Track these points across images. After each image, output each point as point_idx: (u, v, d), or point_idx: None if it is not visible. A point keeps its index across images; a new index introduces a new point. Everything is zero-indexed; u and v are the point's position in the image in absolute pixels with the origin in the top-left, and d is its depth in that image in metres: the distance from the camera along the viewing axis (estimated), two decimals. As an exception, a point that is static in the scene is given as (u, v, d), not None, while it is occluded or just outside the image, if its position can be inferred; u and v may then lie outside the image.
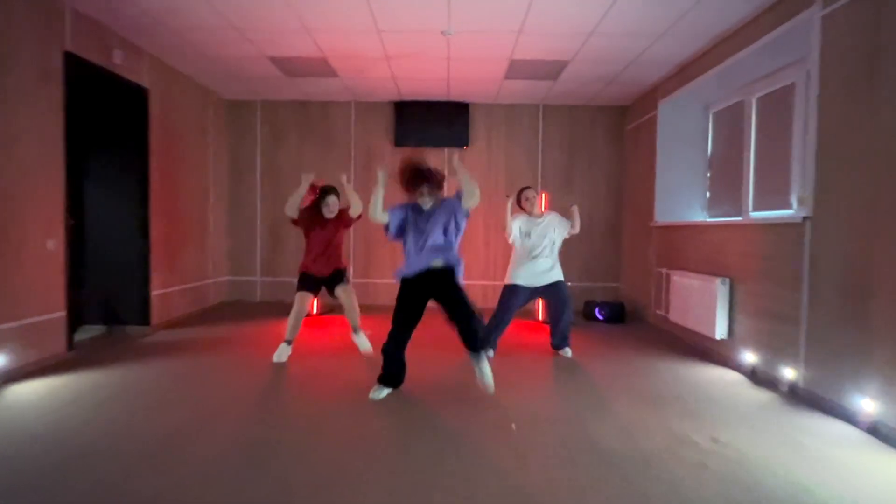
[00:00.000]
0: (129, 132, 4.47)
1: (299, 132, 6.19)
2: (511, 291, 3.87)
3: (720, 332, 3.77)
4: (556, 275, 3.91)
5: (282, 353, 3.82)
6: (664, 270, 4.89)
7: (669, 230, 4.92)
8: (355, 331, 3.95)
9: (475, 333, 2.88)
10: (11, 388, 2.97)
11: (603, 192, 6.19)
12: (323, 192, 3.86)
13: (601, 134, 6.16)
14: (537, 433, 2.48)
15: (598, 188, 6.19)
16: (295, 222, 3.87)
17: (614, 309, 5.46)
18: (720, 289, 3.75)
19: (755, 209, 4.14)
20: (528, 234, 3.88)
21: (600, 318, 5.48)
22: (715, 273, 3.98)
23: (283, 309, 5.64)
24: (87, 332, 4.35)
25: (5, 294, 3.12)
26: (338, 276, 3.94)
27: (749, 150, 4.20)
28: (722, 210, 4.68)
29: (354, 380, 3.22)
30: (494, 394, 2.92)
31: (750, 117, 4.22)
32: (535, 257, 3.85)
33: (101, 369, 3.40)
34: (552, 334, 3.97)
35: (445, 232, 2.94)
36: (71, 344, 3.68)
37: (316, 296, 3.99)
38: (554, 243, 3.93)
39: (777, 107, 3.90)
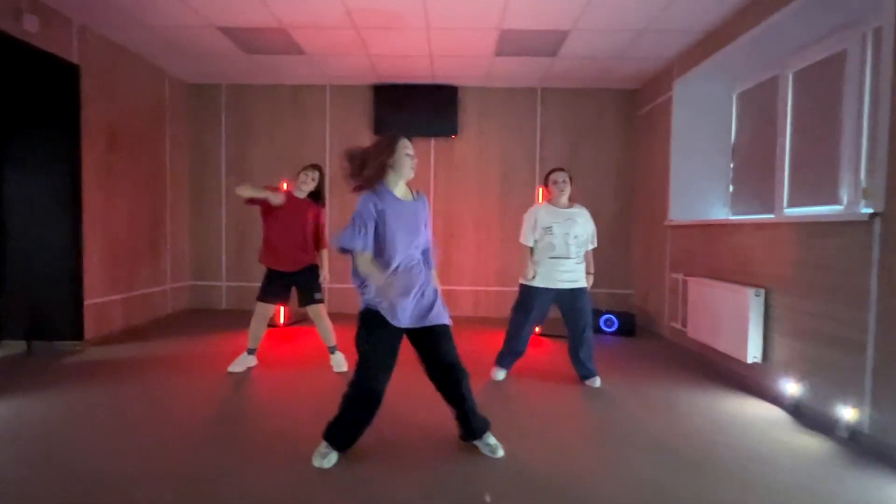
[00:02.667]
0: (56, 115, 3.84)
1: (270, 120, 5.54)
2: (529, 294, 3.18)
3: (752, 354, 3.09)
4: (581, 281, 3.20)
5: (241, 363, 3.29)
6: (680, 276, 4.20)
7: (686, 230, 4.23)
8: (332, 351, 3.42)
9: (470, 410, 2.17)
10: None
11: (611, 187, 5.50)
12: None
13: (609, 120, 5.46)
14: (539, 493, 1.82)
15: (606, 182, 5.50)
16: (252, 201, 3.25)
17: (622, 320, 4.78)
18: (753, 301, 3.06)
19: (790, 205, 3.46)
20: (549, 229, 3.12)
21: (606, 330, 4.80)
22: (744, 282, 3.30)
23: (249, 318, 5.00)
24: (5, 349, 3.73)
25: None
26: (310, 281, 3.35)
27: (784, 136, 3.51)
28: (748, 206, 3.99)
29: (318, 406, 2.57)
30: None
31: (785, 96, 3.53)
32: (555, 258, 3.13)
33: (7, 398, 2.77)
34: (576, 360, 3.22)
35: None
36: (-33, 367, 3.05)
37: (283, 302, 3.42)
38: (581, 241, 3.19)
39: (820, 82, 3.21)
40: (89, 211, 4.00)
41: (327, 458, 2.05)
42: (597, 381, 3.20)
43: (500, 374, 3.28)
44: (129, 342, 4.13)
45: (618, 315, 4.81)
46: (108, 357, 3.68)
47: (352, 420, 2.08)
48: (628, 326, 4.76)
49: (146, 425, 2.48)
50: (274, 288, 3.32)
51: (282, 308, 4.77)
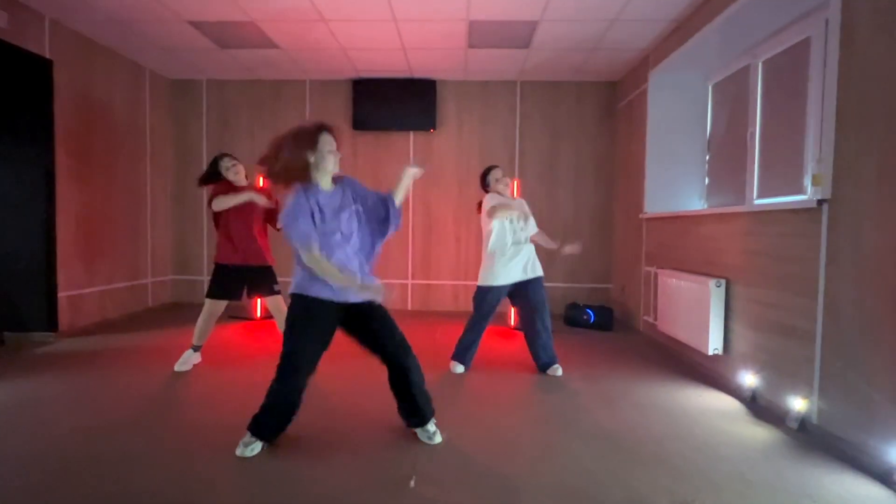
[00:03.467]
0: (28, 110, 3.87)
1: (250, 115, 5.57)
2: (489, 294, 3.19)
3: (713, 345, 3.05)
4: (538, 269, 3.23)
5: (186, 361, 3.24)
6: (653, 269, 4.16)
7: (661, 222, 4.19)
8: None
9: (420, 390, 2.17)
10: None
11: (591, 181, 5.46)
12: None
13: (589, 114, 5.42)
14: (447, 491, 1.81)
15: (586, 176, 5.46)
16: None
17: (600, 314, 4.75)
18: (714, 292, 3.03)
19: (760, 196, 3.41)
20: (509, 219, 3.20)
21: (584, 324, 4.76)
22: (711, 273, 3.26)
23: (229, 312, 5.05)
24: (-22, 340, 3.79)
25: None
26: (267, 275, 3.35)
27: (755, 125, 3.46)
28: (724, 199, 3.94)
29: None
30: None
31: (755, 85, 3.48)
32: (517, 243, 3.17)
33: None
34: (536, 350, 3.22)
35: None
36: (-67, 356, 3.10)
37: (235, 299, 3.38)
38: (530, 229, 3.29)
39: (788, 70, 3.16)
40: (63, 203, 4.04)
41: (249, 448, 2.05)
42: (559, 370, 3.19)
43: (458, 369, 3.27)
44: (102, 334, 4.17)
45: (595, 309, 4.78)
46: (77, 348, 3.71)
47: (277, 411, 2.07)
48: (605, 320, 4.72)
49: (82, 414, 2.50)
50: (227, 284, 3.24)
51: (258, 301, 4.79)
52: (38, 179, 3.91)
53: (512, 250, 3.15)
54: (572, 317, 4.85)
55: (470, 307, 3.33)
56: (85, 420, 2.41)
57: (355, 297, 2.04)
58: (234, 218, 3.25)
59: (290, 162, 1.97)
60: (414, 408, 2.18)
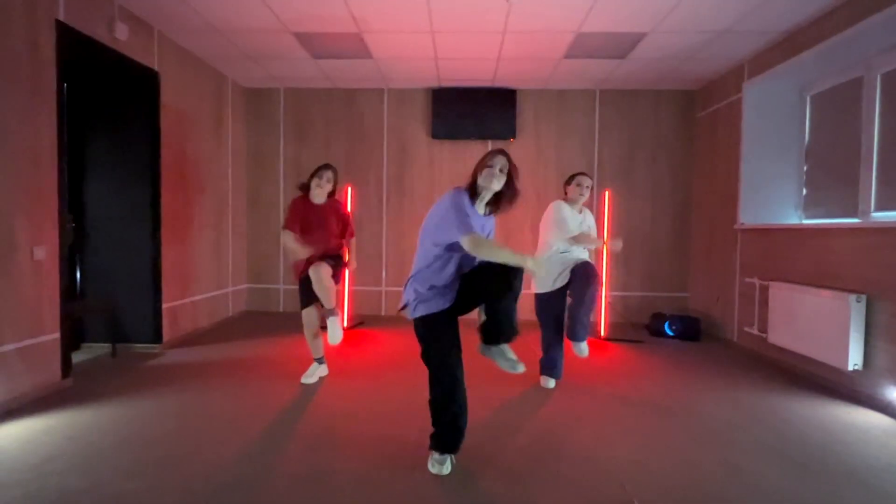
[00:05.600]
0: (137, 122, 3.89)
1: (325, 123, 5.57)
2: (544, 299, 3.22)
3: (853, 361, 3.04)
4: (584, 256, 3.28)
5: (312, 374, 3.25)
6: (756, 281, 4.15)
7: (761, 234, 4.18)
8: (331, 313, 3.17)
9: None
10: (-12, 433, 2.40)
11: (668, 189, 5.46)
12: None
13: (666, 122, 5.42)
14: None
15: (663, 184, 5.45)
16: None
17: (687, 324, 4.74)
18: (854, 307, 3.01)
19: (878, 209, 3.41)
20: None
21: (670, 333, 4.76)
22: (830, 286, 3.25)
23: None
24: (88, 352, 3.79)
25: (-18, 315, 2.54)
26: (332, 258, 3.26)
27: (871, 138, 3.45)
28: (824, 210, 3.93)
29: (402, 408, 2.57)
30: (589, 442, 2.25)
31: (872, 98, 3.47)
32: (563, 252, 3.17)
33: (101, 402, 2.82)
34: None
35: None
36: (67, 370, 3.10)
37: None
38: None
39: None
40: (165, 217, 4.05)
41: (445, 466, 2.09)
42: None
43: (550, 384, 3.27)
44: (203, 344, 4.17)
45: (681, 319, 4.77)
46: (187, 360, 3.72)
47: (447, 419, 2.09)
48: (693, 331, 4.71)
49: (243, 428, 2.50)
50: (310, 292, 3.16)
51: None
52: (145, 191, 3.92)
53: (561, 258, 3.15)
54: (658, 327, 4.84)
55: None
56: (238, 436, 2.41)
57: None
58: (306, 236, 3.19)
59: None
60: (497, 325, 2.11)
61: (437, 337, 2.08)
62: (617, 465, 2.18)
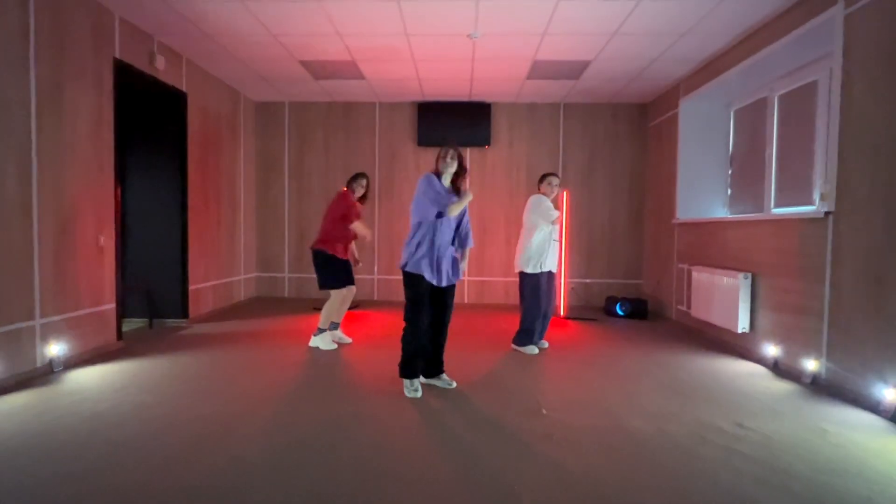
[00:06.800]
0: (168, 135, 4.70)
1: (325, 132, 6.38)
2: (542, 278, 3.93)
3: (742, 325, 3.85)
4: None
5: (328, 341, 3.98)
6: (686, 266, 4.96)
7: (691, 227, 4.99)
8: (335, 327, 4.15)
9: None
10: (71, 374, 3.19)
11: (625, 190, 6.27)
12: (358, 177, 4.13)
13: (622, 131, 6.23)
14: (571, 418, 2.60)
15: (620, 185, 6.27)
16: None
17: (636, 305, 5.54)
18: (742, 283, 3.82)
19: (777, 205, 4.21)
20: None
21: (621, 313, 5.56)
22: (737, 269, 4.05)
23: (310, 305, 5.86)
24: (130, 325, 4.59)
25: (65, 287, 3.34)
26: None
27: (771, 147, 4.25)
28: (743, 207, 4.74)
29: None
30: (530, 383, 3.06)
31: (772, 114, 4.28)
32: (555, 241, 3.97)
33: (148, 358, 3.61)
34: (541, 327, 4.02)
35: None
36: (120, 334, 3.90)
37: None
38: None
39: (800, 104, 3.95)
40: (190, 214, 4.85)
41: (416, 390, 2.94)
42: (545, 344, 4.05)
43: (544, 345, 4.07)
44: (221, 321, 4.98)
45: (631, 301, 5.57)
46: (211, 331, 4.52)
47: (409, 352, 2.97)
48: (641, 310, 5.52)
49: (251, 385, 3.31)
50: (351, 273, 4.07)
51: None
52: (175, 192, 4.72)
53: (551, 246, 3.95)
54: (611, 308, 5.65)
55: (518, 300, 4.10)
56: (260, 380, 3.22)
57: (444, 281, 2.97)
58: (348, 227, 4.05)
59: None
60: (440, 358, 3.09)
61: (416, 291, 2.91)
62: (538, 392, 2.99)
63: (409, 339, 2.93)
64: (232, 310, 5.59)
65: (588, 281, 6.29)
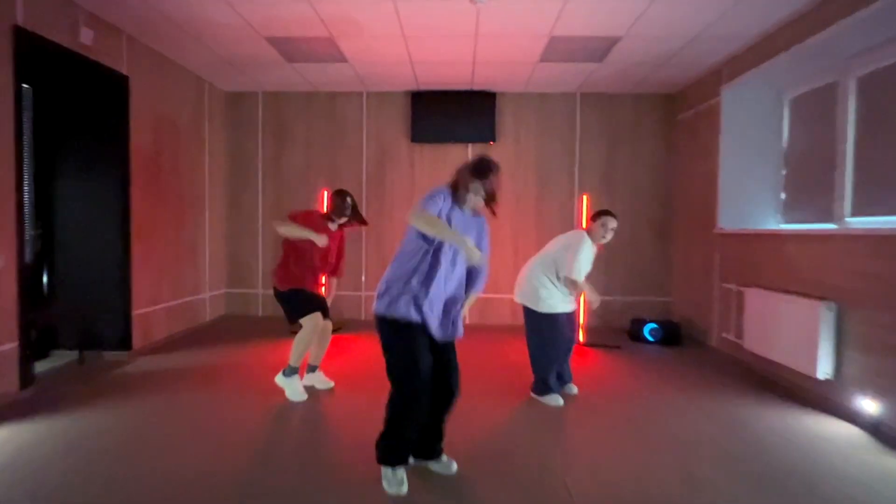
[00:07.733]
0: (107, 128, 3.85)
1: (306, 126, 5.54)
2: (561, 317, 3.15)
3: (823, 370, 3.00)
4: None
5: (298, 389, 3.12)
6: (734, 287, 4.11)
7: (741, 239, 4.14)
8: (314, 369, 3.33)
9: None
10: (-65, 447, 2.35)
11: (648, 192, 5.42)
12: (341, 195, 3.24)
13: (646, 126, 5.39)
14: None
15: (643, 187, 5.42)
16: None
17: (668, 328, 4.70)
18: (824, 315, 2.98)
19: (854, 214, 3.37)
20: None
21: (651, 339, 4.72)
22: (809, 294, 3.21)
23: (287, 328, 4.99)
24: (58, 359, 3.74)
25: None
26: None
27: (844, 143, 3.42)
28: (803, 215, 3.90)
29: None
30: (556, 454, 2.21)
31: (846, 101, 3.44)
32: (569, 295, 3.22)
33: (61, 412, 2.78)
34: (564, 368, 3.23)
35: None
36: (27, 380, 3.05)
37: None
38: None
39: (886, 88, 3.12)
40: (136, 221, 4.01)
41: (403, 484, 2.03)
42: (574, 389, 3.25)
43: (573, 390, 3.25)
44: (173, 352, 4.13)
45: (661, 324, 4.73)
46: (157, 368, 3.68)
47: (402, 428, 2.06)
48: (674, 335, 4.68)
49: (194, 448, 2.46)
50: (315, 303, 3.18)
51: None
52: (115, 196, 3.88)
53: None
54: (638, 332, 4.80)
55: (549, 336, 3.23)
56: (209, 449, 2.37)
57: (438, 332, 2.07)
58: (305, 252, 3.22)
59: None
60: (440, 433, 2.18)
61: (401, 344, 2.03)
62: (567, 471, 2.14)
63: (398, 412, 2.04)
64: (193, 334, 4.74)
65: (608, 298, 5.44)
